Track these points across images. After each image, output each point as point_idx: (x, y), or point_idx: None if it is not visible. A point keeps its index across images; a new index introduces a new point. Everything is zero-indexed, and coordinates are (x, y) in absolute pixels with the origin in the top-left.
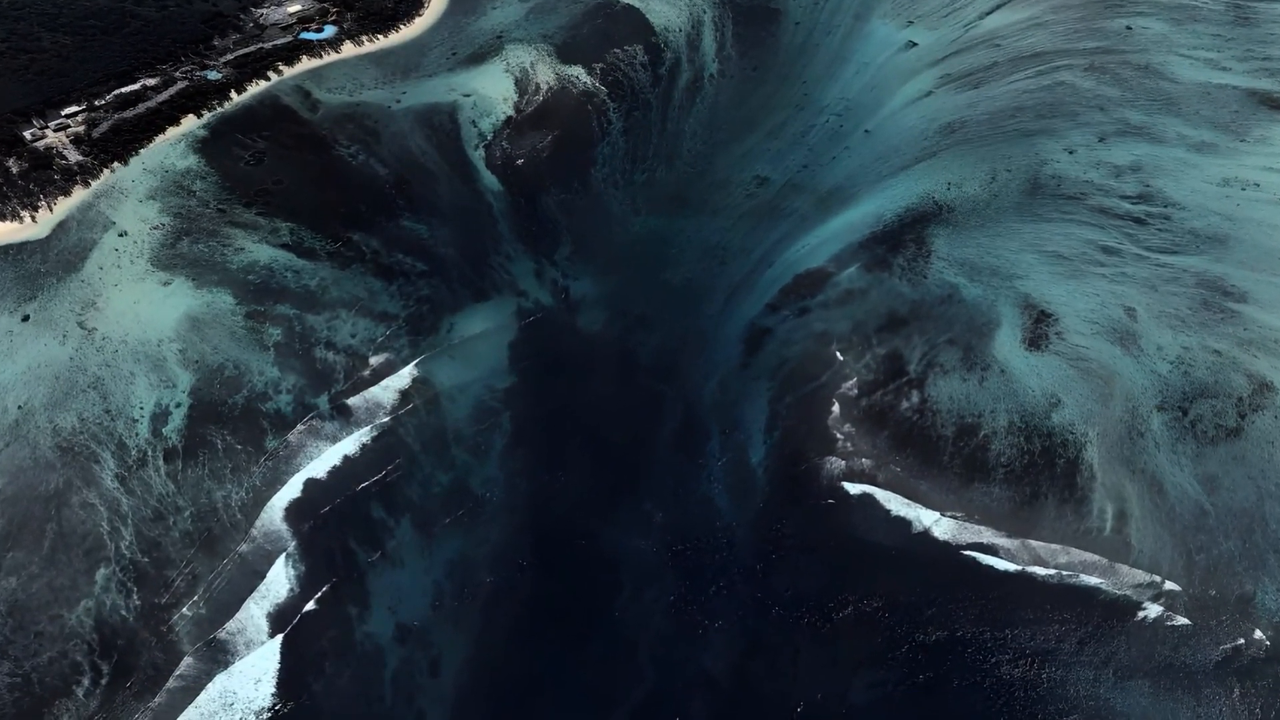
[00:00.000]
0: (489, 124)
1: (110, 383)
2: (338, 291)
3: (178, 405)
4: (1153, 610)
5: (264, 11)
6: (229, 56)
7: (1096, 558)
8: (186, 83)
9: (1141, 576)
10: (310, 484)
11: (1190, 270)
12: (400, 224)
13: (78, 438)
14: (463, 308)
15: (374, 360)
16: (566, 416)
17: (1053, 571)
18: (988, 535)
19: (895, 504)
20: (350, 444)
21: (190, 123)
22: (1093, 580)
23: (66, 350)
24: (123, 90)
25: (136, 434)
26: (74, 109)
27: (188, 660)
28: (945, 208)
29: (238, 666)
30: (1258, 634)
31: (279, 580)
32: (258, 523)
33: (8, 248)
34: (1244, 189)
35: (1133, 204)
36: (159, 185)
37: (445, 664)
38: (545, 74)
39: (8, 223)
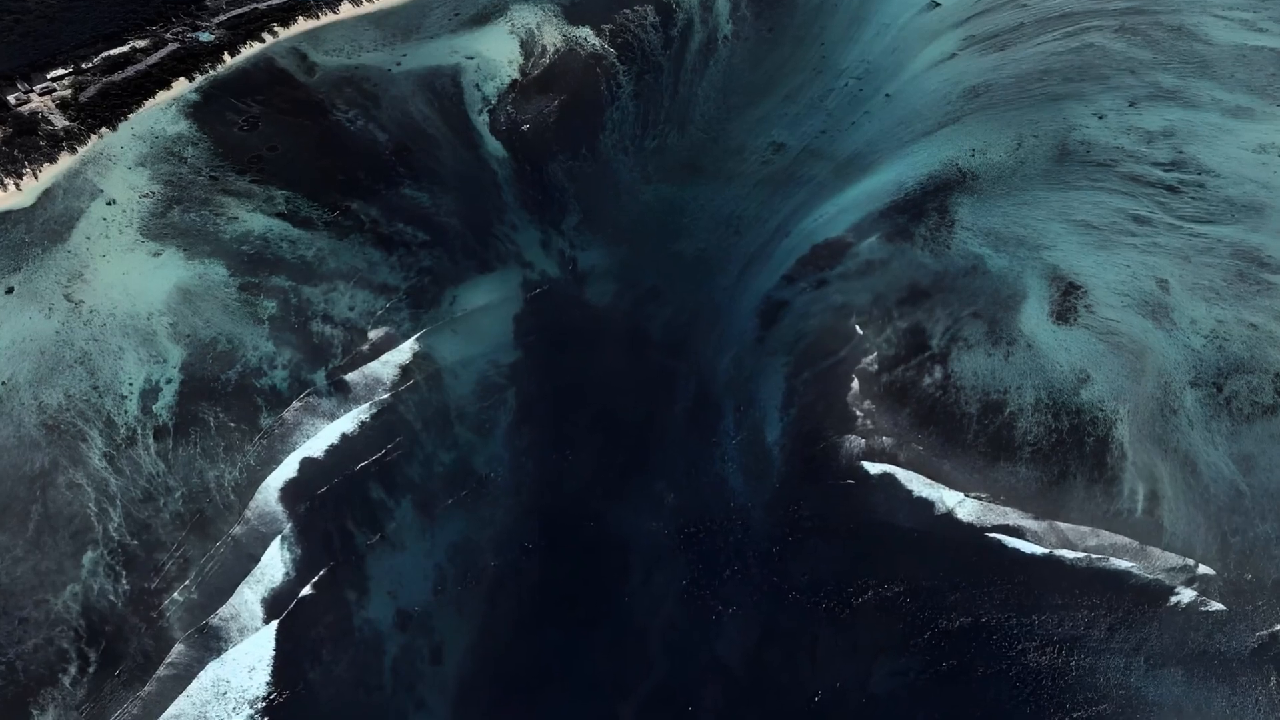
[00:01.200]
0: (493, 88)
1: (98, 358)
2: (335, 263)
3: (168, 381)
4: (1186, 595)
5: None
6: (222, 17)
7: (1127, 540)
8: (178, 44)
9: (1174, 560)
10: (307, 463)
11: (1225, 240)
12: (401, 192)
13: (64, 415)
14: (466, 279)
15: (373, 334)
16: (574, 393)
17: (1081, 555)
18: (1014, 517)
19: (917, 484)
20: (348, 422)
21: (182, 86)
22: (1123, 564)
23: (52, 324)
24: (111, 52)
25: (125, 411)
26: (60, 72)
27: (179, 647)
28: (969, 175)
29: (231, 654)
30: None
31: (274, 564)
32: (252, 504)
33: None
34: None
35: (1165, 171)
36: (149, 151)
37: (448, 651)
38: (552, 35)
39: None
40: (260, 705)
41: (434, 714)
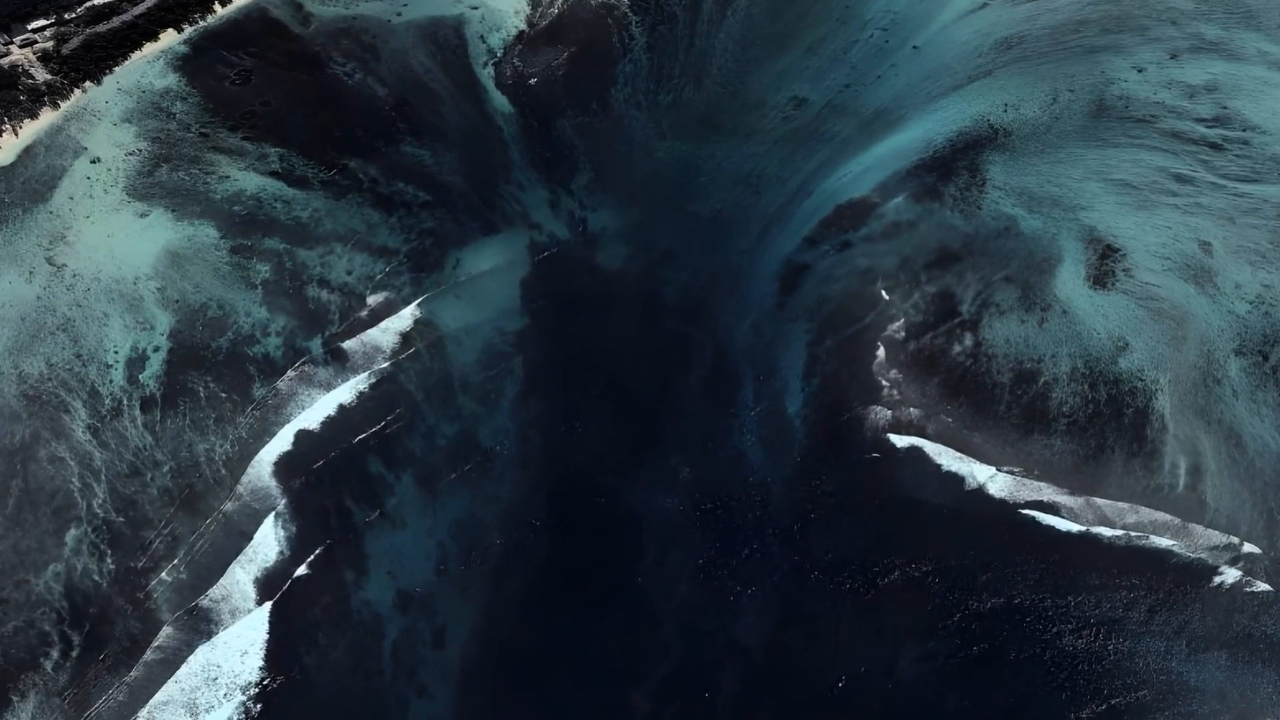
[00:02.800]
0: (499, 39)
1: (81, 324)
2: (332, 224)
3: (156, 349)
4: (1230, 575)
5: None
6: None
7: (1168, 517)
8: None
9: (1218, 538)
10: (302, 436)
11: (1271, 200)
12: (401, 150)
13: (46, 385)
14: (470, 242)
15: (372, 300)
16: (584, 362)
17: (1120, 532)
18: (1048, 492)
19: (946, 458)
20: (346, 392)
21: (170, 38)
22: (1164, 542)
23: (33, 289)
24: (95, 1)
25: (110, 381)
26: (41, 23)
27: (167, 630)
28: (1001, 132)
29: (222, 637)
30: None
31: (267, 542)
32: (244, 479)
33: None
34: None
35: (1208, 127)
36: (135, 107)
37: (451, 634)
38: None
39: None
40: (253, 691)
41: (436, 701)
